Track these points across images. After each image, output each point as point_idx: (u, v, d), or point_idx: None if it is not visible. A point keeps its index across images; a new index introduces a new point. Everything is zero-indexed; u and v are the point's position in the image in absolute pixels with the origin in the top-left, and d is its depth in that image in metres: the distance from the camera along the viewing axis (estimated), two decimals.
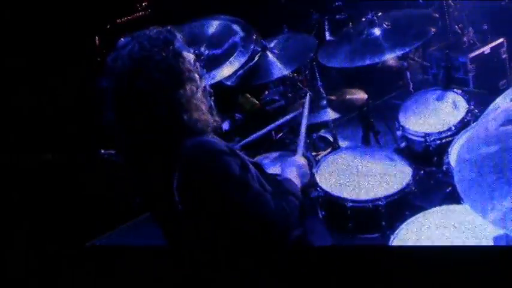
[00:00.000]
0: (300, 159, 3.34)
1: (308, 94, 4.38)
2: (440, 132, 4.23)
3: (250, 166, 2.85)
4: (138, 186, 2.94)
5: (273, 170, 4.02)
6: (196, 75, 2.79)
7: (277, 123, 4.22)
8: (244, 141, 3.94)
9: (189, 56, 2.79)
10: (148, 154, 2.73)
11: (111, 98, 2.71)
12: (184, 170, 2.64)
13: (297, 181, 3.12)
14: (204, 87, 2.85)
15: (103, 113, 2.75)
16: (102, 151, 3.87)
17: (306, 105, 3.99)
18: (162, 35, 2.73)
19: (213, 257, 2.77)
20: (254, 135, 4.00)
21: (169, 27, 2.80)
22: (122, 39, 2.75)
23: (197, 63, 2.83)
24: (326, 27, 5.48)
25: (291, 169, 3.21)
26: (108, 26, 5.44)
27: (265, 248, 2.81)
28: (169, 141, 2.69)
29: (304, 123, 3.82)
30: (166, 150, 2.69)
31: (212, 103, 2.91)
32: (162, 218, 2.93)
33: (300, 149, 3.55)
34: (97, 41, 5.37)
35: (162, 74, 2.64)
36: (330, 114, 4.55)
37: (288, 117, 4.33)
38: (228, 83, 4.73)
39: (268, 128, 4.14)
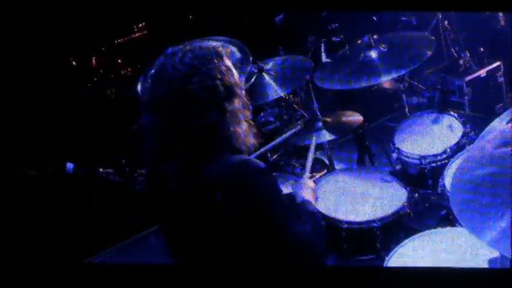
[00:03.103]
0: (310, 182, 3.33)
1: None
2: (435, 155, 4.23)
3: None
4: (156, 198, 2.87)
5: None
6: (243, 92, 2.75)
7: (273, 142, 4.21)
8: None
9: (236, 72, 2.74)
10: (185, 162, 2.66)
11: (157, 103, 2.63)
12: (232, 186, 2.59)
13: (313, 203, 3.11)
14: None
15: (139, 118, 2.68)
16: (101, 170, 3.86)
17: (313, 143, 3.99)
18: (212, 46, 2.69)
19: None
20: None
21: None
22: (170, 48, 2.69)
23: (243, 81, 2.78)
24: (322, 49, 5.48)
25: (306, 191, 3.18)
26: (104, 47, 5.45)
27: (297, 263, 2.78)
28: (211, 152, 2.63)
29: (312, 146, 3.86)
30: (205, 161, 2.62)
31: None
32: (181, 230, 2.83)
33: (308, 171, 3.55)
34: (94, 62, 5.38)
35: (214, 81, 2.59)
36: (326, 136, 4.54)
37: (285, 136, 4.33)
38: None
39: (266, 147, 4.13)
